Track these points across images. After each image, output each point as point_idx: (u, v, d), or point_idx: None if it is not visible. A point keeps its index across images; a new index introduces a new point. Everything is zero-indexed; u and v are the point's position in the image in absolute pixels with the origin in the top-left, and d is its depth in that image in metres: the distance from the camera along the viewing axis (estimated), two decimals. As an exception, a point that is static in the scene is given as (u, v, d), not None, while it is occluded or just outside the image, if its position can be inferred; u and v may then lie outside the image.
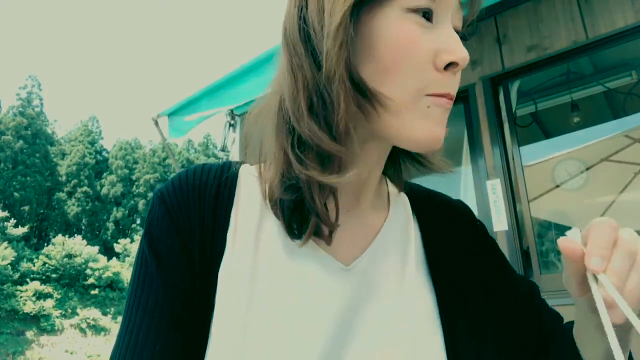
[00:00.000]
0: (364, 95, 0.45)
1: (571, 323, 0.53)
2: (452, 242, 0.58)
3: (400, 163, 0.58)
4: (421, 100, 0.45)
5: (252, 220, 0.50)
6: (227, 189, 0.51)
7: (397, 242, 0.54)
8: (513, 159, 2.42)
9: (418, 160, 0.56)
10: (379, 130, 0.47)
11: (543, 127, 3.64)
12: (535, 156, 3.26)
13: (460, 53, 0.45)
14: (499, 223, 2.33)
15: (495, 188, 2.38)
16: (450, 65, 0.45)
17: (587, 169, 3.42)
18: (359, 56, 0.45)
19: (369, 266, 0.51)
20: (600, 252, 0.38)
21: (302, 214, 0.47)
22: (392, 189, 0.61)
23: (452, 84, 0.47)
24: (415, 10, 0.44)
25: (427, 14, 0.45)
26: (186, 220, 0.49)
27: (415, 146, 0.47)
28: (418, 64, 0.44)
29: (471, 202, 2.54)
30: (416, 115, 0.45)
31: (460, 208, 0.63)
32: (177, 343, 0.46)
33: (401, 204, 0.59)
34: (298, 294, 0.47)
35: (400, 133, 0.46)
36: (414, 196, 0.61)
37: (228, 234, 0.49)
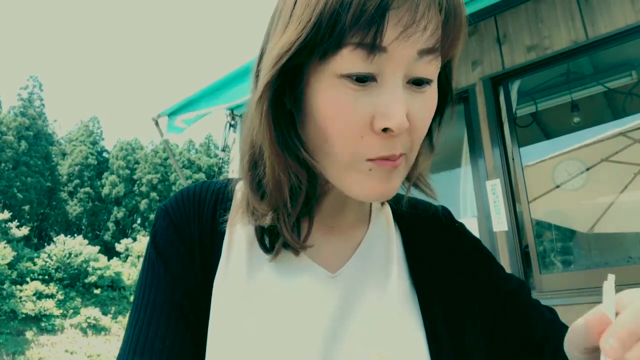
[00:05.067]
0: (295, 158, 0.46)
1: (565, 327, 0.53)
2: (431, 248, 0.60)
3: None
4: (361, 164, 0.44)
5: (245, 232, 0.54)
6: (224, 204, 0.56)
7: (379, 252, 0.57)
8: (513, 159, 2.42)
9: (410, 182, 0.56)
10: (328, 179, 0.49)
11: (543, 127, 3.64)
12: (535, 156, 3.26)
13: (394, 120, 0.41)
14: (499, 223, 2.33)
15: (495, 188, 2.38)
16: (387, 130, 0.42)
17: (587, 169, 3.42)
18: (303, 115, 0.47)
19: (353, 273, 0.54)
20: (624, 335, 0.30)
21: (273, 231, 0.52)
22: (375, 202, 0.62)
23: (395, 145, 0.44)
24: (348, 76, 0.42)
25: (363, 79, 0.42)
26: (187, 229, 0.53)
27: (361, 199, 0.47)
28: (353, 131, 0.43)
29: (471, 202, 2.54)
30: (358, 175, 0.45)
31: (438, 213, 0.66)
32: (185, 338, 0.48)
33: (383, 215, 0.62)
34: (290, 300, 0.50)
35: (344, 188, 0.47)
36: (397, 206, 0.63)
37: (223, 244, 0.53)
